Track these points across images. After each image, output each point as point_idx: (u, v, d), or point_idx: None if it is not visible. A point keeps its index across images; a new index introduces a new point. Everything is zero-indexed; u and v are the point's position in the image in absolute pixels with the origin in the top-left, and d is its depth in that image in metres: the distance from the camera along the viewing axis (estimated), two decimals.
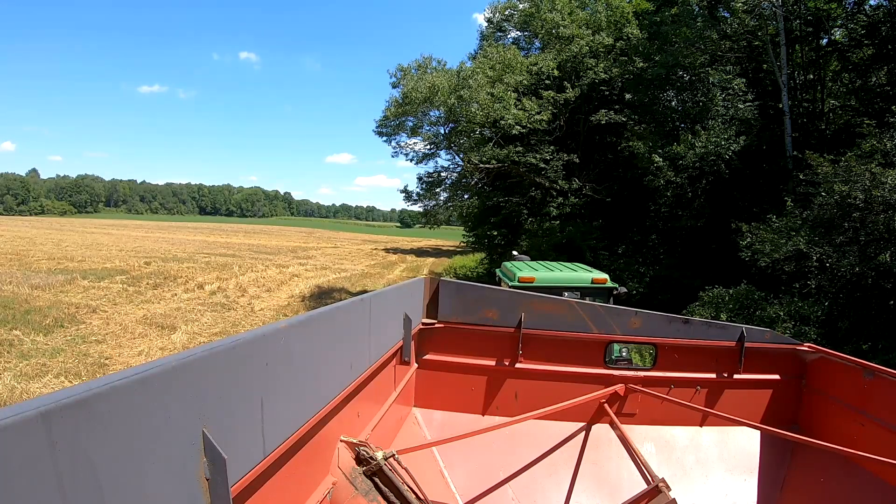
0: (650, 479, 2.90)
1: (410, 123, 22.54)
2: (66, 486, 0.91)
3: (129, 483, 1.07)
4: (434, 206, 27.74)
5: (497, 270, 9.71)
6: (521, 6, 24.15)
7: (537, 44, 23.48)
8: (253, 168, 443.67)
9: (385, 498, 2.27)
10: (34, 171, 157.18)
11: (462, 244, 45.21)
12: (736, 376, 3.45)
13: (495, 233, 25.17)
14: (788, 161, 14.26)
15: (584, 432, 3.43)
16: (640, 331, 3.42)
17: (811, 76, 16.11)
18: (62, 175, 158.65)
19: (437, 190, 26.99)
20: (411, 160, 25.85)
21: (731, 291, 11.89)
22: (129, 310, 15.18)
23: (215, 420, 1.32)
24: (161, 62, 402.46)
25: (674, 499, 2.61)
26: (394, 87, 21.67)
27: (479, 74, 19.26)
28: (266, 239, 58.82)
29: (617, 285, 7.85)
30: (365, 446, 2.32)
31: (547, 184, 21.41)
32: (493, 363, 3.48)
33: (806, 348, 3.42)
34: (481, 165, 22.07)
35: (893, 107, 10.87)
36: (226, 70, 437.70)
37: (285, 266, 28.91)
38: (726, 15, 16.81)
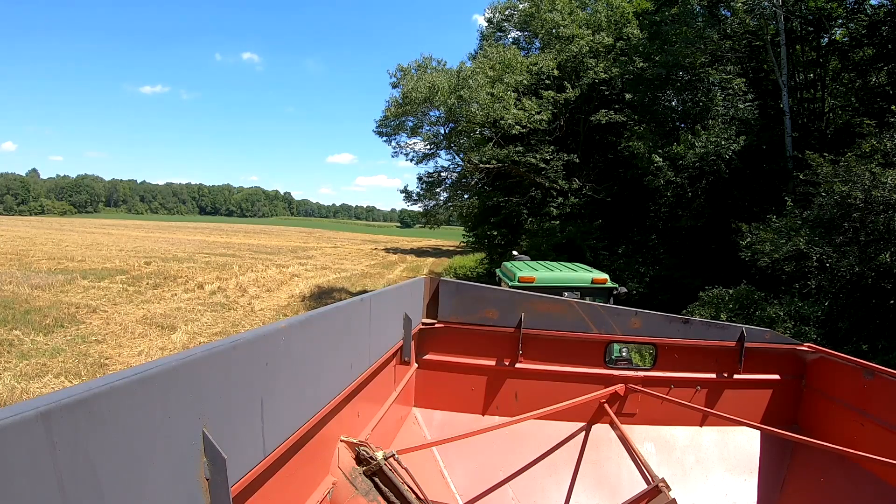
0: (650, 479, 2.90)
1: (410, 123, 22.55)
2: (66, 486, 0.91)
3: (129, 483, 1.07)
4: (434, 206, 27.74)
5: (497, 270, 9.71)
6: (521, 6, 24.14)
7: (537, 44, 23.46)
8: (253, 168, 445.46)
9: (385, 498, 2.27)
10: (34, 170, 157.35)
11: (462, 244, 45.19)
12: (736, 376, 3.45)
13: (495, 233, 25.16)
14: (788, 161, 14.25)
15: (584, 432, 3.42)
16: (640, 331, 3.42)
17: (811, 76, 16.11)
18: (62, 175, 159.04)
19: (437, 190, 26.99)
20: (411, 160, 25.86)
21: (731, 291, 11.88)
22: (129, 310, 15.18)
23: (215, 420, 1.32)
24: (163, 63, 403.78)
25: (674, 499, 2.61)
26: (394, 87, 21.67)
27: (479, 74, 19.24)
28: (266, 239, 58.82)
29: (617, 285, 7.84)
30: (365, 446, 2.32)
31: (547, 184, 21.40)
32: (493, 363, 3.48)
33: (806, 348, 3.42)
34: (481, 165, 22.07)
35: (893, 107, 10.86)
36: (228, 70, 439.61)
37: (285, 266, 28.91)
38: (727, 14, 16.81)
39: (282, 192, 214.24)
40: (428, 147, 24.72)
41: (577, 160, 21.29)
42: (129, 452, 1.06)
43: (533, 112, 19.74)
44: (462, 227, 36.92)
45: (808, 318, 9.92)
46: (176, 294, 18.24)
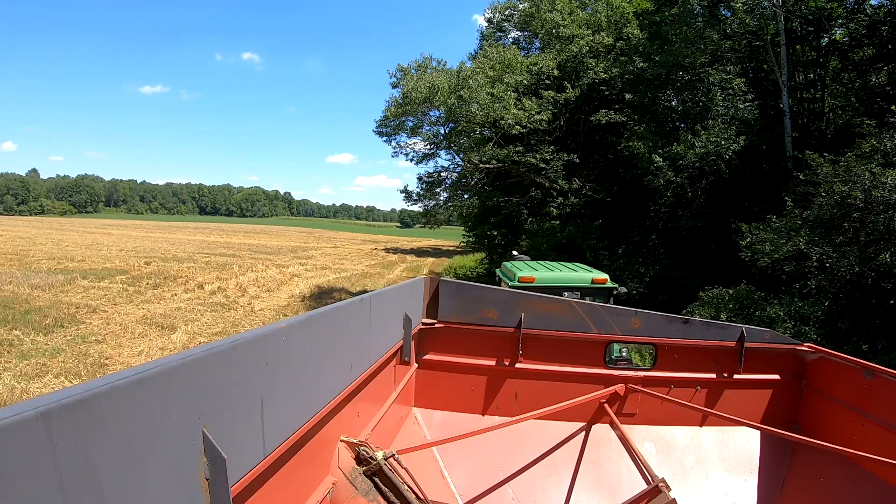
0: (650, 479, 2.90)
1: (410, 123, 22.54)
2: (66, 486, 0.91)
3: (129, 483, 1.07)
4: (434, 206, 27.75)
5: (497, 270, 9.71)
6: (521, 6, 24.13)
7: (537, 44, 23.46)
8: (253, 168, 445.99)
9: (385, 498, 2.27)
10: (34, 170, 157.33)
11: (462, 244, 45.16)
12: (736, 376, 3.45)
13: (495, 233, 25.16)
14: (788, 161, 14.25)
15: (584, 432, 3.42)
16: (640, 331, 3.42)
17: (811, 76, 16.11)
18: (62, 175, 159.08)
19: (437, 190, 27.01)
20: (411, 160, 25.87)
21: (731, 291, 11.88)
22: (129, 310, 15.18)
23: (215, 420, 1.32)
24: (163, 63, 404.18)
25: (674, 499, 2.61)
26: (394, 87, 21.67)
27: (479, 74, 19.23)
28: (266, 239, 58.80)
29: (617, 285, 7.84)
30: (365, 446, 2.32)
31: (547, 184, 21.40)
32: (493, 363, 3.48)
33: (806, 348, 3.41)
34: (481, 165, 22.07)
35: (893, 107, 10.86)
36: (228, 70, 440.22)
37: (285, 266, 28.90)
38: (727, 14, 16.81)
39: (282, 192, 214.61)
40: (428, 147, 24.75)
41: (577, 160, 21.29)
42: (129, 452, 1.06)
43: (533, 112, 19.73)
44: (462, 227, 36.91)
45: (808, 318, 9.91)
46: (176, 294, 18.24)
